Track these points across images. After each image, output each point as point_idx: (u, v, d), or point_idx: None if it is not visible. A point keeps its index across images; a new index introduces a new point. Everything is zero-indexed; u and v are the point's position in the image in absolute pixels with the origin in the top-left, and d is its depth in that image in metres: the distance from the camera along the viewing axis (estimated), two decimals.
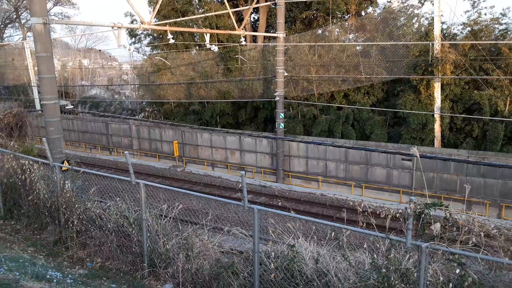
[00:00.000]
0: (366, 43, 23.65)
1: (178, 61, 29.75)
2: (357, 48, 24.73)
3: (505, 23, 21.24)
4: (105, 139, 31.98)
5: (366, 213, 6.12)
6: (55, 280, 5.87)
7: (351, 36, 25.47)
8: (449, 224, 5.31)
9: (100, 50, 53.52)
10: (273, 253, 6.16)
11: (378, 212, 5.93)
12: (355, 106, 23.15)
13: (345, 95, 24.24)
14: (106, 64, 52.08)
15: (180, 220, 7.52)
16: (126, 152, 7.43)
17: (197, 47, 30.04)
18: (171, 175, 25.67)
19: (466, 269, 4.78)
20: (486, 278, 4.90)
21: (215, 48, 19.52)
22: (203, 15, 26.45)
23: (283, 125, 23.09)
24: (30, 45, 35.27)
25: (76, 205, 8.01)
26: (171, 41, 17.23)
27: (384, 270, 5.18)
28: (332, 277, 5.58)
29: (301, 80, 24.75)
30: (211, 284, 6.46)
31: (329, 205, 19.52)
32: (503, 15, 21.25)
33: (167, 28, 17.46)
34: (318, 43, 24.20)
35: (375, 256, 5.51)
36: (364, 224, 5.97)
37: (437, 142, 21.06)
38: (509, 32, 21.13)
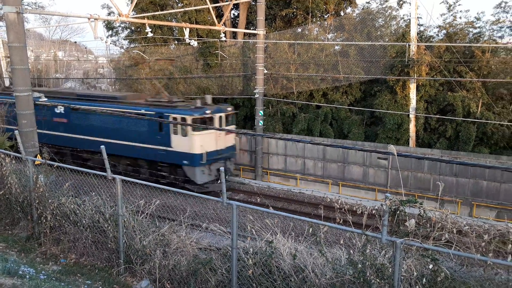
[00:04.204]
0: (345, 42, 23.92)
1: (156, 55, 29.34)
2: (336, 47, 24.99)
3: (479, 27, 21.90)
4: None
5: (343, 210, 6.21)
6: (27, 276, 5.72)
7: (330, 35, 25.73)
8: (423, 221, 5.46)
9: (75, 42, 52.13)
10: (251, 249, 6.18)
11: (354, 209, 6.04)
12: (334, 105, 23.41)
13: (323, 94, 24.48)
14: (81, 57, 50.84)
15: (157, 217, 7.45)
16: (102, 146, 7.28)
17: (176, 41, 29.71)
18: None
19: (439, 265, 4.93)
20: (458, 273, 5.06)
21: (194, 43, 19.35)
22: (182, 9, 26.14)
23: (262, 122, 23.13)
24: (2, 35, 34.04)
25: (50, 200, 7.82)
26: (149, 34, 16.98)
27: (360, 266, 5.28)
28: (309, 272, 5.64)
29: (281, 78, 24.84)
30: (189, 280, 6.43)
31: (307, 202, 19.70)
32: (478, 19, 21.89)
33: (145, 21, 17.22)
34: (297, 42, 24.33)
35: (352, 252, 5.61)
36: (341, 220, 6.06)
37: (412, 141, 21.56)
38: (482, 36, 21.79)
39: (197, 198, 7.25)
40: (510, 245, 4.95)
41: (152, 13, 21.66)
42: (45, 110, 20.73)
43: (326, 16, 26.46)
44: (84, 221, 7.40)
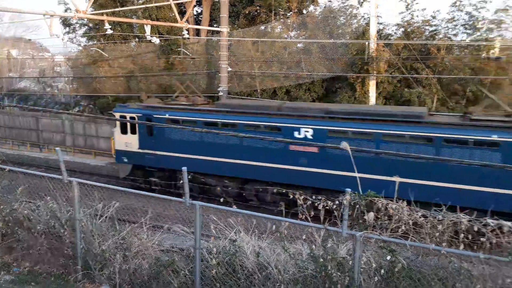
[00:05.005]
0: (307, 40, 24.20)
1: (116, 53, 28.52)
2: (299, 45, 25.23)
3: (435, 25, 22.72)
4: (35, 135, 29.90)
5: (305, 205, 6.27)
6: None
7: (292, 33, 25.94)
8: (381, 214, 5.61)
9: (30, 40, 49.85)
10: (214, 249, 6.13)
11: (316, 204, 6.11)
12: (297, 102, 23.64)
13: (287, 91, 24.64)
14: (37, 55, 48.63)
15: (117, 220, 7.23)
16: (57, 148, 6.99)
17: (137, 39, 28.99)
18: (108, 172, 24.57)
19: (396, 256, 5.08)
20: (414, 263, 5.23)
21: (156, 40, 18.89)
22: (143, 6, 25.56)
23: None
24: None
25: (1, 206, 7.42)
26: (109, 31, 16.43)
27: (321, 260, 5.35)
28: (273, 269, 5.66)
29: (245, 76, 24.80)
30: (151, 283, 6.30)
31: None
32: (434, 17, 22.70)
33: (104, 18, 16.64)
34: (261, 39, 24.36)
35: (313, 246, 5.67)
36: (304, 216, 6.12)
37: None
38: (438, 33, 22.65)
39: (159, 199, 7.10)
40: (462, 235, 5.17)
41: (112, 10, 20.94)
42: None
43: (289, 14, 26.65)
44: (38, 227, 7.07)
